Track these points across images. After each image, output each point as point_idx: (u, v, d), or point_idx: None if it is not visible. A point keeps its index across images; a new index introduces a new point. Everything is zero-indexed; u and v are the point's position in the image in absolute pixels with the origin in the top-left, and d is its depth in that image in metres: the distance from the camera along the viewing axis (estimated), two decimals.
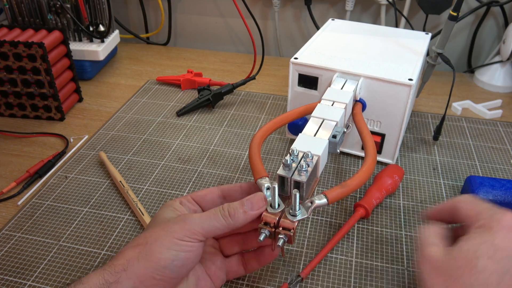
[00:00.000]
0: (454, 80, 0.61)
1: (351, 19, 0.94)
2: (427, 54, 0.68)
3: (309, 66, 0.58)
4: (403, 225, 0.52)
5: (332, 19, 0.74)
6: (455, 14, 0.59)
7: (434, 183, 0.58)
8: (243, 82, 0.77)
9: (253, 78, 0.78)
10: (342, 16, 0.96)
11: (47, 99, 0.69)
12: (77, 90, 0.77)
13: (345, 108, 0.52)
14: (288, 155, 0.40)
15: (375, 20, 0.96)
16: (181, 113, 0.73)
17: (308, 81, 0.59)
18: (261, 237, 0.37)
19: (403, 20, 0.89)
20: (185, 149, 0.65)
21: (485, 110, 0.74)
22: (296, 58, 0.58)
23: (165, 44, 1.06)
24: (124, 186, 0.55)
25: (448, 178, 0.59)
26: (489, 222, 0.32)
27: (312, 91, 0.59)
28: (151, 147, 0.65)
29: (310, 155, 0.40)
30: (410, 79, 0.53)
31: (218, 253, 0.42)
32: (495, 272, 0.30)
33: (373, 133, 0.58)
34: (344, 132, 0.48)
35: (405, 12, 0.88)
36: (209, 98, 0.74)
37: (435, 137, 0.65)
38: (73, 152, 0.64)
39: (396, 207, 0.54)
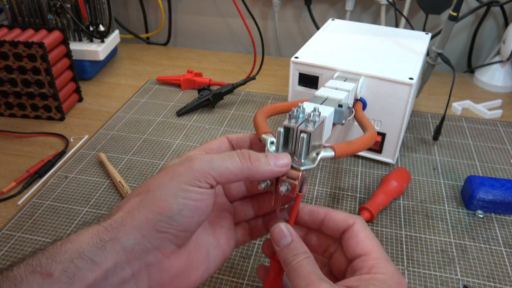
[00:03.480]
0: (454, 80, 0.61)
1: (351, 19, 0.94)
2: (427, 54, 0.68)
3: (310, 65, 0.58)
4: (403, 225, 0.52)
5: (332, 19, 0.74)
6: (455, 14, 0.59)
7: (434, 183, 0.58)
8: (243, 82, 0.77)
9: (253, 78, 0.78)
10: (342, 16, 0.96)
11: (47, 99, 0.69)
12: (77, 90, 0.77)
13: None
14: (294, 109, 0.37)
15: (375, 20, 0.96)
16: (181, 113, 0.73)
17: (309, 80, 0.59)
18: (262, 185, 0.34)
19: (403, 20, 0.89)
20: (185, 149, 0.65)
21: (485, 110, 0.74)
22: (296, 57, 0.58)
23: (165, 44, 1.06)
24: (123, 186, 0.55)
25: (448, 178, 0.59)
26: (392, 282, 0.30)
27: (313, 90, 0.59)
28: (151, 147, 0.65)
29: (318, 111, 0.37)
30: (411, 78, 0.53)
31: (229, 217, 0.37)
32: None
33: None
34: (349, 108, 0.47)
35: (405, 12, 0.88)
36: (209, 98, 0.74)
37: (435, 137, 0.65)
38: (73, 152, 0.64)
39: (396, 207, 0.54)
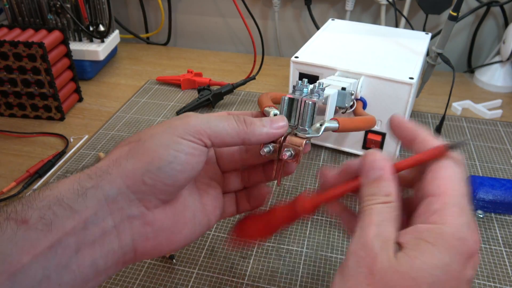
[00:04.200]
0: (454, 80, 0.61)
1: (351, 19, 0.94)
2: (427, 54, 0.68)
3: (310, 65, 0.58)
4: None
5: (332, 19, 0.74)
6: (455, 14, 0.59)
7: None
8: (243, 82, 0.77)
9: (253, 78, 0.78)
10: (342, 16, 0.96)
11: (47, 99, 0.69)
12: (77, 90, 0.77)
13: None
14: (299, 82, 0.36)
15: (375, 20, 0.96)
16: (181, 113, 0.73)
17: (309, 80, 0.59)
18: (265, 149, 0.32)
19: (403, 20, 0.89)
20: None
21: (485, 110, 0.74)
22: (296, 57, 0.58)
23: (165, 44, 1.06)
24: None
25: None
26: (453, 238, 0.24)
27: None
28: None
29: (322, 85, 0.36)
30: (411, 78, 0.53)
31: (218, 187, 0.36)
32: None
33: (373, 132, 0.59)
34: (352, 94, 0.47)
35: (405, 12, 0.88)
36: (209, 98, 0.74)
37: None
38: (73, 152, 0.64)
39: None
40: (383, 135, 0.59)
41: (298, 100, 0.34)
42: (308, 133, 0.33)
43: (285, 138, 0.32)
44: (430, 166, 0.28)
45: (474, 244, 0.25)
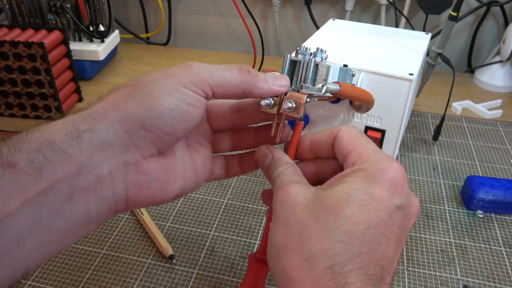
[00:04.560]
0: (454, 80, 0.61)
1: (351, 19, 0.94)
2: (427, 54, 0.68)
3: None
4: None
5: (333, 19, 0.74)
6: (455, 14, 0.59)
7: (434, 183, 0.58)
8: None
9: None
10: (342, 16, 0.96)
11: (47, 99, 0.69)
12: (77, 90, 0.77)
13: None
14: (302, 45, 0.35)
15: (375, 20, 0.96)
16: None
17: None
18: (266, 101, 0.31)
19: (403, 20, 0.89)
20: None
21: (485, 110, 0.74)
22: None
23: (165, 44, 1.06)
24: None
25: (448, 178, 0.59)
26: (372, 168, 0.27)
27: None
28: None
29: (325, 52, 0.35)
30: (411, 74, 0.53)
31: (208, 146, 0.35)
32: (362, 223, 0.25)
33: (373, 129, 0.59)
34: (353, 75, 0.46)
35: (405, 12, 0.88)
36: None
37: (435, 137, 0.65)
38: None
39: None
40: (382, 132, 0.58)
41: (300, 62, 0.33)
42: (310, 89, 0.32)
43: (286, 94, 0.32)
44: (335, 141, 0.31)
45: (396, 172, 0.27)
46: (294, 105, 0.31)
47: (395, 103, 0.55)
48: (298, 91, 0.32)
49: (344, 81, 0.45)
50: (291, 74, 0.34)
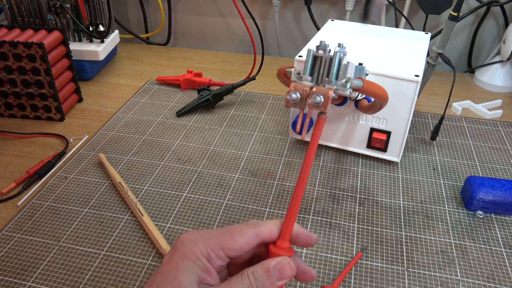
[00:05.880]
0: (454, 80, 0.61)
1: (351, 19, 0.94)
2: (427, 54, 0.68)
3: None
4: (403, 225, 0.52)
5: (332, 20, 0.73)
6: (455, 14, 0.59)
7: (434, 183, 0.58)
8: (243, 82, 0.77)
9: (253, 78, 0.78)
10: (342, 16, 0.96)
11: (47, 100, 0.69)
12: (77, 90, 0.77)
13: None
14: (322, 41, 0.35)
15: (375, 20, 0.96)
16: (181, 113, 0.73)
17: None
18: (292, 95, 0.31)
19: (403, 20, 0.89)
20: (185, 150, 0.65)
21: (485, 110, 0.74)
22: (301, 56, 0.58)
23: (165, 44, 1.06)
24: (123, 187, 0.55)
25: (448, 178, 0.59)
26: None
27: None
28: (150, 148, 0.65)
29: (344, 48, 0.35)
30: (417, 75, 0.53)
31: (225, 273, 0.35)
32: None
33: (378, 130, 0.58)
34: (366, 75, 0.46)
35: (405, 12, 0.88)
36: (209, 98, 0.74)
37: (433, 137, 0.65)
38: (73, 152, 0.64)
39: (396, 207, 0.54)
40: (388, 133, 0.58)
41: (322, 57, 0.33)
42: (336, 84, 0.32)
43: (311, 88, 0.32)
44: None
45: None
46: (322, 100, 0.31)
47: (401, 105, 0.55)
48: (323, 86, 0.32)
49: (360, 75, 0.45)
50: (312, 68, 0.33)
